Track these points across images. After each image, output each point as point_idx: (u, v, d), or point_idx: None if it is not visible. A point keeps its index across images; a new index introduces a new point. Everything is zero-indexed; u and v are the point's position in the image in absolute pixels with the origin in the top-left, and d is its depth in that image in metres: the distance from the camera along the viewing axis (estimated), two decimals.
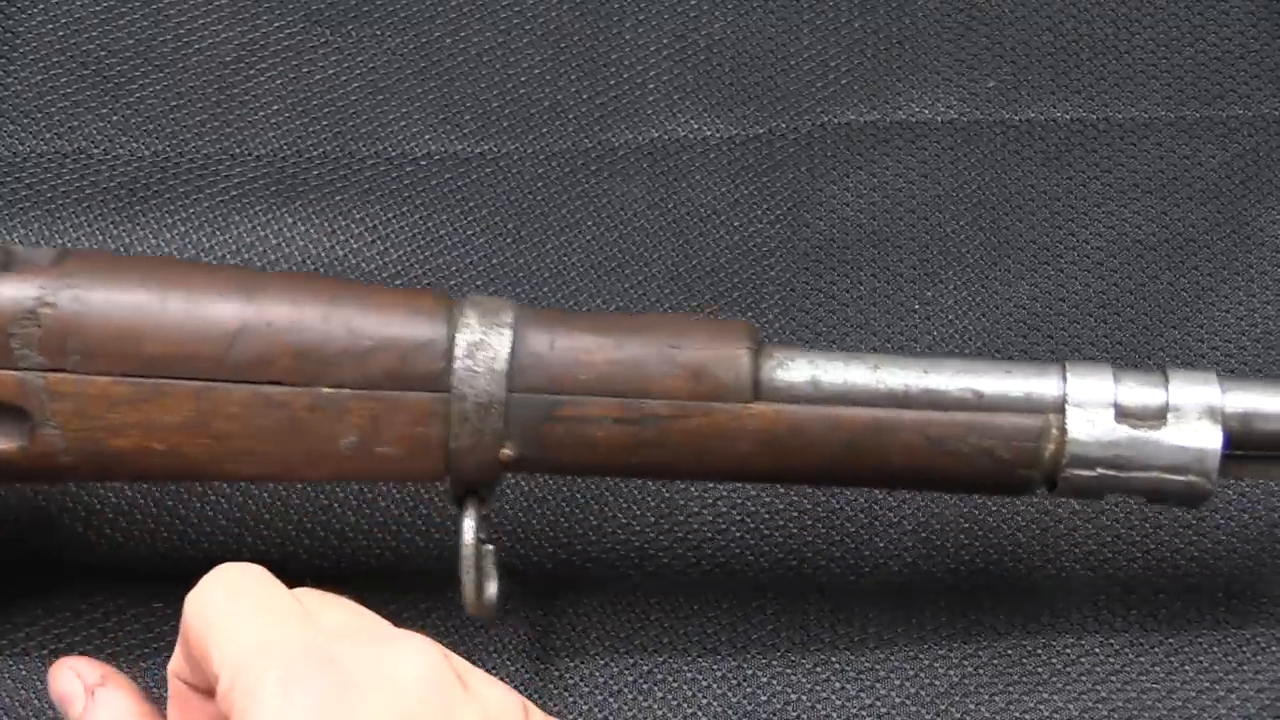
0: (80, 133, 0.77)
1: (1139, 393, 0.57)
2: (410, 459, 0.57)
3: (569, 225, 0.76)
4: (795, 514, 0.68)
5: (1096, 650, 0.66)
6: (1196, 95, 0.78)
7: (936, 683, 0.65)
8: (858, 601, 0.67)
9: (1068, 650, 0.66)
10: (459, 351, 0.56)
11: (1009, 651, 0.66)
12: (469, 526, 0.57)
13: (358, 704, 0.48)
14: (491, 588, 0.58)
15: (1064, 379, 0.57)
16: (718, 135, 0.78)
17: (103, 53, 0.80)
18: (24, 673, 0.65)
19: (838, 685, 0.65)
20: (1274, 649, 0.66)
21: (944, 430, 0.56)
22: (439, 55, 0.80)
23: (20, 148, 0.77)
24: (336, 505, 0.68)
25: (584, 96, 0.79)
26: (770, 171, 0.77)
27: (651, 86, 0.79)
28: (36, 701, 0.64)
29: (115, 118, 0.78)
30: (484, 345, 0.56)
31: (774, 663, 0.65)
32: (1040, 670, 0.66)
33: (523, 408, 0.56)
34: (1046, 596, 0.67)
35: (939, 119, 0.78)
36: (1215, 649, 0.66)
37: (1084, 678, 0.65)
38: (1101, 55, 0.79)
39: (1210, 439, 0.56)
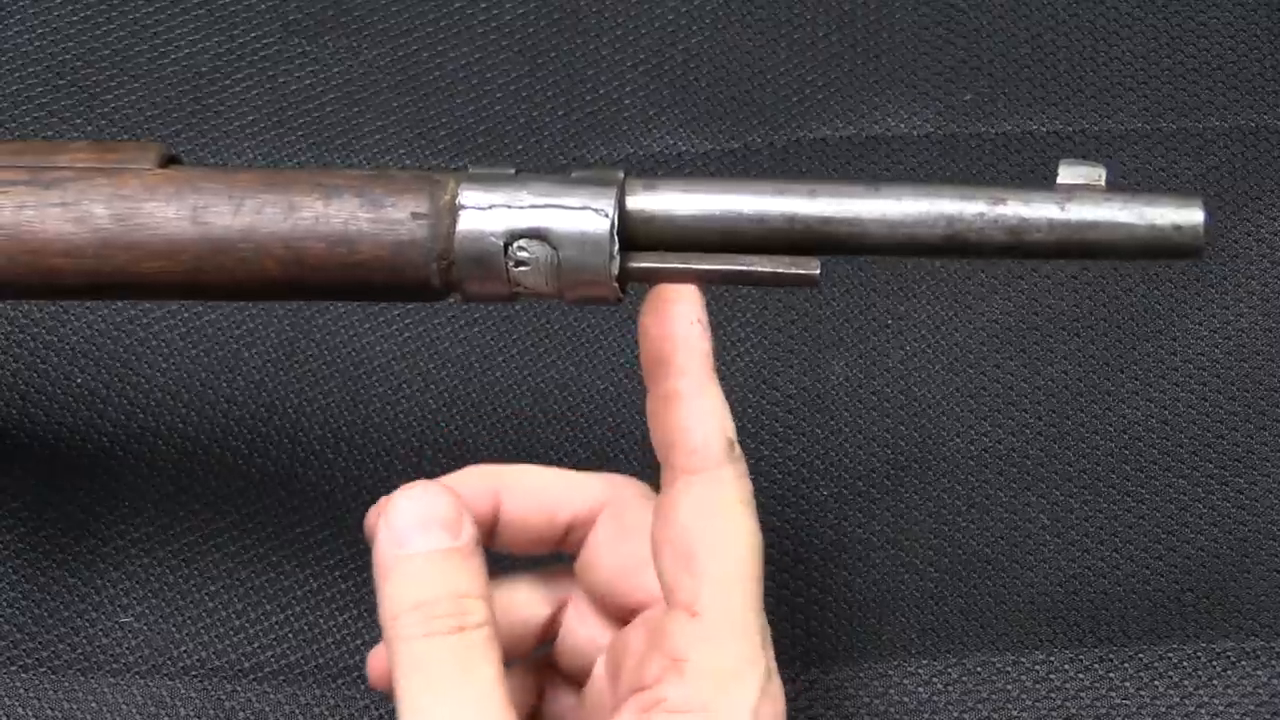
0: None
1: (540, 178, 0.56)
2: None
3: None
4: (764, 529, 0.68)
5: (1067, 666, 0.66)
6: (1173, 107, 0.78)
7: (906, 700, 0.65)
8: (826, 617, 0.67)
9: (1038, 667, 0.66)
10: None
11: (978, 669, 0.66)
12: None
13: None
14: None
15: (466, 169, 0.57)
16: (693, 150, 0.77)
17: (79, 62, 0.79)
18: None
19: (804, 703, 0.65)
20: (1244, 663, 0.66)
21: (340, 179, 0.56)
22: (415, 69, 0.79)
23: None
24: None
25: (559, 113, 0.78)
26: None
27: (627, 102, 0.79)
28: None
29: (90, 128, 0.78)
30: None
31: None
32: (1010, 687, 0.66)
33: None
34: (1016, 612, 0.67)
35: (915, 133, 0.78)
36: (1186, 664, 0.66)
37: (1054, 694, 0.65)
38: (1078, 68, 0.79)
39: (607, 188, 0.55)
